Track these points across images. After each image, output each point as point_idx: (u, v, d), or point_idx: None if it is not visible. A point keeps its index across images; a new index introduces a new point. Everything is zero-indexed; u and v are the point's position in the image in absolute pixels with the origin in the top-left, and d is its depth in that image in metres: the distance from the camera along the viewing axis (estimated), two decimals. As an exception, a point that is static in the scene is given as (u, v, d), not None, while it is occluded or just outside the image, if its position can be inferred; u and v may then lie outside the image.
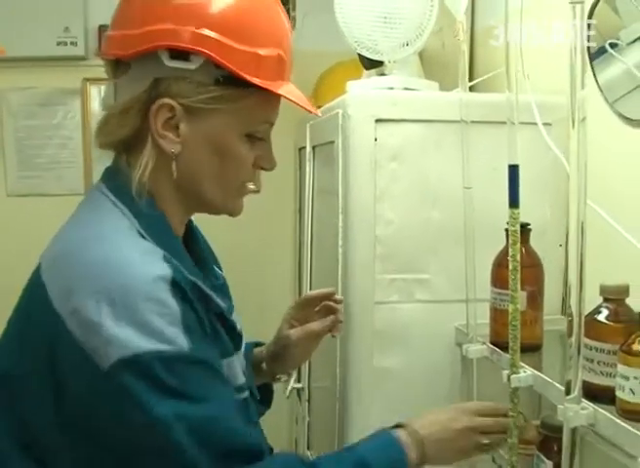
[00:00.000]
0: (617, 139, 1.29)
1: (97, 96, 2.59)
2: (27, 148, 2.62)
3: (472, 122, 1.34)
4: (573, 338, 0.92)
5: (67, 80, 2.58)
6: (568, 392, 0.94)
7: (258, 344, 1.24)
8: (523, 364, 1.12)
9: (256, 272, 2.65)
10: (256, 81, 0.89)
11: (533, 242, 1.28)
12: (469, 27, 1.92)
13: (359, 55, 1.62)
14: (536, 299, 1.28)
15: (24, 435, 0.85)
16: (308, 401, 1.95)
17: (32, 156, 2.63)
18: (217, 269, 1.08)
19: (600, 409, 0.94)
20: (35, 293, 0.87)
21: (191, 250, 1.01)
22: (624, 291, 1.00)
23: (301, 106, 0.94)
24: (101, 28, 2.49)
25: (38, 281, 0.87)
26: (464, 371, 1.44)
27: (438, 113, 1.47)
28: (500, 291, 1.27)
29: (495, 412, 1.07)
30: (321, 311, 1.21)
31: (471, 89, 1.41)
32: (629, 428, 0.88)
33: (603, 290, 1.00)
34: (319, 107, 1.57)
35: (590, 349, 0.98)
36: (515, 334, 1.10)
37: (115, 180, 0.93)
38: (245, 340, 1.07)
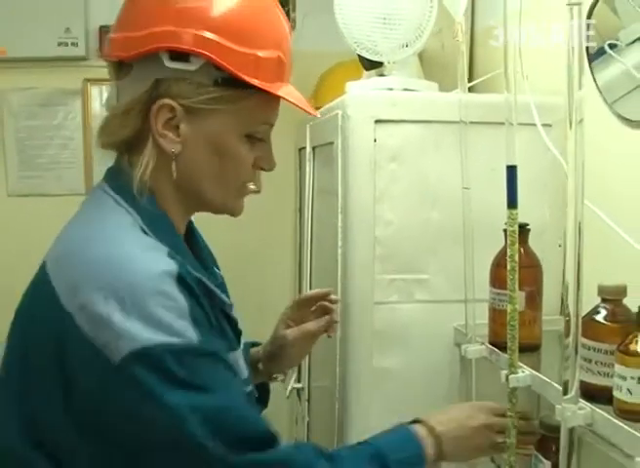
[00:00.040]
0: (615, 140, 1.29)
1: (97, 96, 2.60)
2: (28, 148, 2.63)
3: (471, 123, 1.34)
4: (570, 338, 0.92)
5: (68, 80, 2.58)
6: (565, 392, 0.95)
7: (254, 344, 1.25)
8: (521, 364, 1.12)
9: (256, 272, 2.65)
10: (255, 82, 0.90)
11: (531, 242, 1.28)
12: (469, 28, 1.92)
13: (359, 55, 1.63)
14: (534, 299, 1.28)
15: (36, 433, 0.85)
16: (308, 401, 1.96)
17: (33, 156, 2.63)
18: (216, 270, 1.08)
19: (598, 409, 0.94)
20: (41, 291, 0.88)
21: (192, 249, 1.01)
22: (622, 291, 1.00)
23: (301, 108, 0.94)
24: (102, 29, 2.49)
25: (44, 278, 0.87)
26: (463, 372, 1.44)
27: (437, 114, 1.48)
28: (498, 291, 1.27)
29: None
30: (317, 311, 1.21)
31: (471, 89, 1.41)
32: (627, 428, 0.89)
33: (601, 290, 1.00)
34: (319, 108, 1.57)
35: (588, 349, 0.98)
36: (514, 335, 1.10)
37: (118, 180, 0.94)
38: (243, 340, 1.07)
